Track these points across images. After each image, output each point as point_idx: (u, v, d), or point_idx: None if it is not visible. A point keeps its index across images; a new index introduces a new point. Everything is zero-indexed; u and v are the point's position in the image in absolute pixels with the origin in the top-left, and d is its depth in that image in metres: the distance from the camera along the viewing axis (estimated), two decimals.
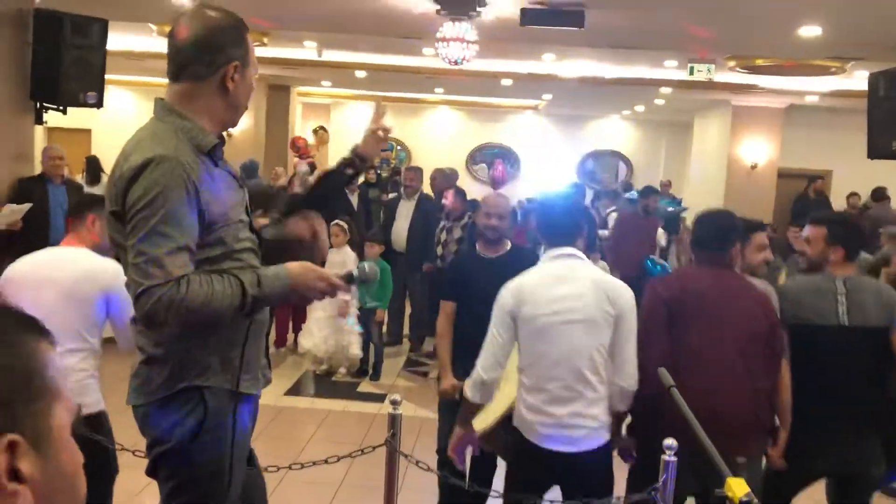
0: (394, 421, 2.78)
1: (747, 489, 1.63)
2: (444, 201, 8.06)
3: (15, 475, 0.75)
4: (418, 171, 8.53)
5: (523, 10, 6.68)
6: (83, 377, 3.02)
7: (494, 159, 17.54)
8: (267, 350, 2.29)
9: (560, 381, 2.83)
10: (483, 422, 3.13)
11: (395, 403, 2.82)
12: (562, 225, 3.01)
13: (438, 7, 6.87)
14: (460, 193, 7.91)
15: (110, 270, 3.00)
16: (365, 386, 7.00)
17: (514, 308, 2.90)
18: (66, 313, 2.97)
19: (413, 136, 17.94)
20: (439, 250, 7.55)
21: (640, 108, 16.24)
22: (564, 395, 2.82)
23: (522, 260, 3.84)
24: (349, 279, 2.18)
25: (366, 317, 7.03)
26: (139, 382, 2.07)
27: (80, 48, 6.74)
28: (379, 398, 6.55)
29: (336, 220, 6.77)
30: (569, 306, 2.84)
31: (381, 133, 2.58)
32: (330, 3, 7.21)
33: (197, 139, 2.01)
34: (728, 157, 12.84)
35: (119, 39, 8.77)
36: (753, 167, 12.74)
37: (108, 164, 12.12)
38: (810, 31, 7.23)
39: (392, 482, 2.84)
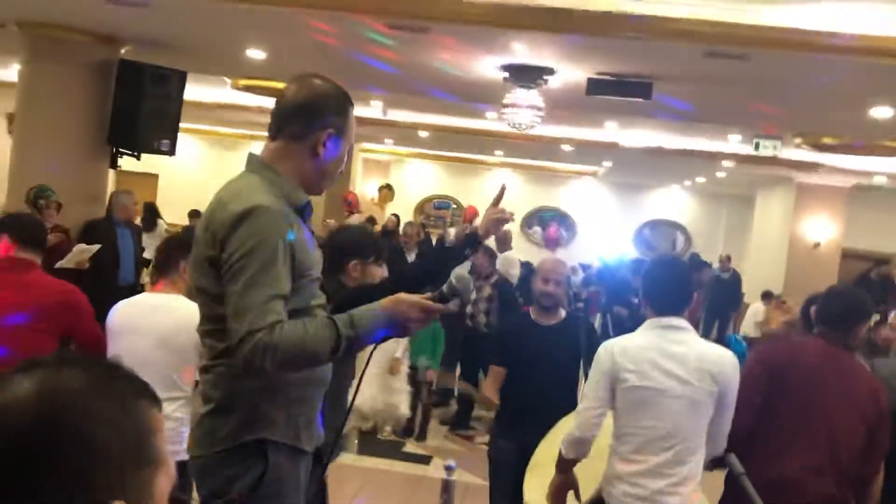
0: (447, 487, 2.73)
1: None
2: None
3: None
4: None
5: (590, 80, 6.73)
6: (177, 426, 3.04)
7: (550, 221, 17.54)
8: (324, 407, 2.28)
9: (660, 457, 2.75)
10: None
11: (449, 469, 2.78)
12: (672, 292, 2.88)
13: (506, 75, 6.98)
14: (488, 251, 7.88)
15: None
16: (410, 446, 6.92)
17: (614, 373, 2.80)
18: (162, 361, 3.02)
19: (470, 196, 18.08)
20: (469, 309, 7.52)
21: (700, 180, 16.12)
22: (660, 470, 2.74)
23: (578, 329, 3.79)
24: (442, 298, 2.07)
25: (416, 375, 6.99)
26: (202, 433, 2.08)
27: (158, 98, 7.02)
28: (424, 460, 6.47)
29: None
30: (672, 382, 2.75)
31: (501, 216, 2.62)
32: (400, 68, 7.38)
33: (290, 195, 2.07)
34: (790, 234, 12.62)
35: (193, 90, 9.10)
36: (816, 246, 12.48)
37: (171, 208, 12.53)
38: (882, 112, 7.13)
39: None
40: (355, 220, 12.94)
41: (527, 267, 10.56)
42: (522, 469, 3.39)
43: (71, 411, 0.77)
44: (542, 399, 3.43)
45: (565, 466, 2.96)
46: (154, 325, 3.09)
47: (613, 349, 2.85)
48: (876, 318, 8.30)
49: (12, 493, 0.74)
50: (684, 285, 2.92)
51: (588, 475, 3.00)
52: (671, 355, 2.78)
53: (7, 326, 2.99)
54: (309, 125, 2.09)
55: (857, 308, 3.07)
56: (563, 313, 3.90)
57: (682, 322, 2.85)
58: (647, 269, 3.04)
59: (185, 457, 2.96)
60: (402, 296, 2.03)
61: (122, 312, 3.23)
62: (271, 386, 2.02)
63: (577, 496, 3.02)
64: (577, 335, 3.77)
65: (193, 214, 12.84)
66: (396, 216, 12.15)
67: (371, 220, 12.22)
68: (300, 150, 2.10)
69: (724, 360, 2.82)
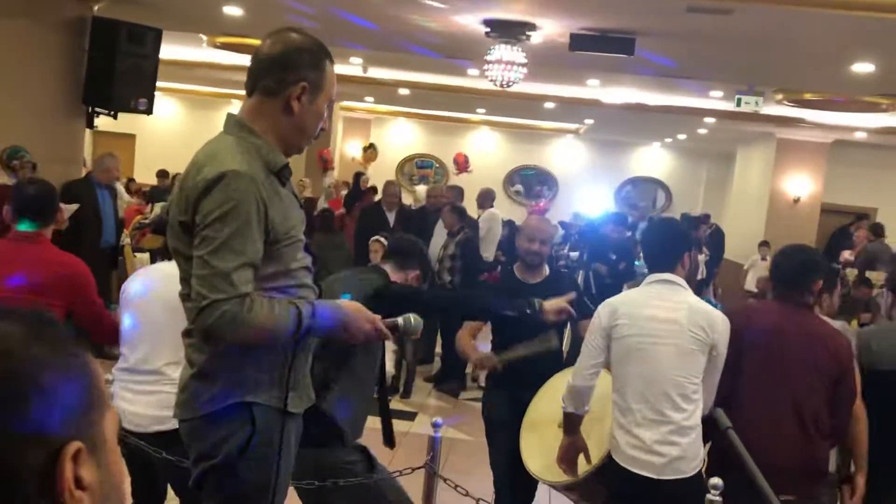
0: (434, 444, 2.76)
1: None
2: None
3: (77, 483, 0.76)
4: (456, 190, 8.56)
5: (573, 36, 6.68)
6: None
7: (533, 187, 17.51)
8: (313, 364, 2.29)
9: (647, 404, 2.82)
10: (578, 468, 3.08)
11: (436, 426, 2.80)
12: (665, 250, 3.01)
13: (488, 30, 6.90)
14: (455, 210, 7.86)
15: None
16: (395, 404, 6.97)
17: (608, 326, 2.91)
18: (173, 326, 3.03)
19: (451, 154, 18.00)
20: (436, 266, 7.51)
21: (682, 137, 16.14)
22: (652, 418, 2.81)
23: (562, 285, 3.80)
24: (394, 328, 2.21)
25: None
26: (187, 396, 2.07)
27: (134, 56, 6.89)
28: (409, 416, 6.53)
29: (376, 237, 6.80)
30: (662, 329, 2.85)
31: (562, 315, 2.88)
32: (380, 21, 7.28)
33: (267, 157, 2.03)
34: (770, 190, 12.70)
35: (169, 49, 8.94)
36: (796, 201, 12.58)
37: (149, 169, 12.40)
38: (863, 67, 7.14)
39: None
40: (330, 177, 12.90)
41: (510, 226, 10.56)
42: (517, 424, 3.44)
43: (14, 358, 0.77)
44: (540, 360, 3.43)
45: (571, 425, 3.01)
46: (166, 291, 3.09)
47: (610, 304, 2.98)
48: (854, 274, 8.41)
49: None
50: (676, 243, 3.02)
51: (600, 437, 3.04)
52: (662, 306, 2.89)
53: (8, 302, 2.94)
54: (282, 79, 2.05)
55: (809, 265, 3.11)
56: (546, 270, 3.91)
57: (675, 277, 2.95)
58: (645, 230, 3.16)
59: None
60: (365, 311, 2.11)
61: (138, 280, 3.24)
62: (241, 353, 2.01)
63: (587, 458, 3.07)
64: (561, 292, 3.78)
65: (161, 174, 12.76)
66: (361, 174, 12.13)
67: (359, 175, 12.17)
68: (274, 106, 2.06)
69: (714, 315, 2.92)
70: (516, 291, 3.78)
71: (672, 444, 2.79)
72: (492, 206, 9.11)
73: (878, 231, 11.13)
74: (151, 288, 3.14)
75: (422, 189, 11.84)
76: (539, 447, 3.21)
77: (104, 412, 0.82)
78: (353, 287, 2.92)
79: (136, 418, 2.94)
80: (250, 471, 2.03)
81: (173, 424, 2.31)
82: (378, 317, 2.13)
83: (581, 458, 3.06)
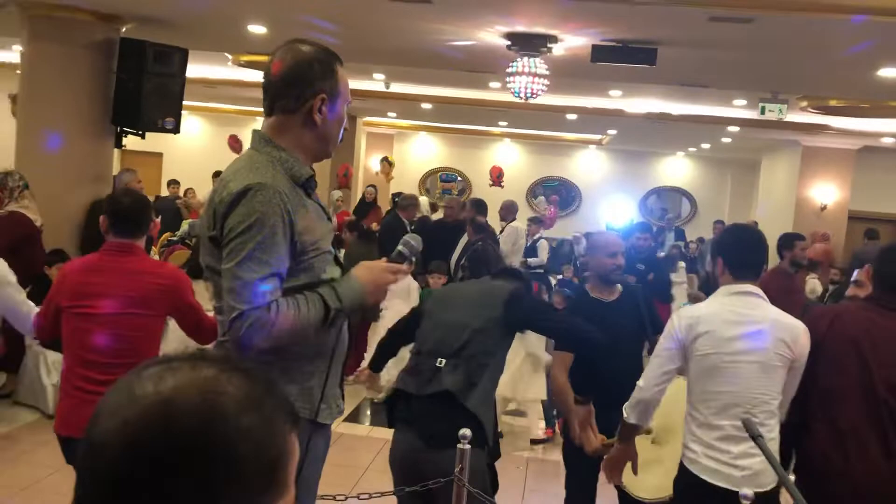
0: (463, 456, 2.76)
1: None
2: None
3: None
4: (478, 203, 8.62)
5: (594, 47, 6.69)
6: None
7: (550, 195, 17.47)
8: (342, 379, 2.30)
9: (730, 420, 2.76)
10: (669, 487, 3.05)
11: (464, 439, 2.81)
12: (751, 259, 2.92)
13: (509, 43, 6.93)
14: (475, 225, 7.90)
15: None
16: None
17: (687, 339, 2.83)
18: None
19: (474, 167, 18.04)
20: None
21: (705, 146, 16.05)
22: (734, 434, 2.75)
23: (638, 301, 3.76)
24: (400, 258, 2.25)
25: None
26: None
27: (161, 76, 7.00)
28: None
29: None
30: (745, 346, 2.77)
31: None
32: (401, 39, 7.34)
33: (292, 170, 2.06)
34: (796, 198, 12.59)
35: (194, 67, 9.07)
36: (823, 209, 12.45)
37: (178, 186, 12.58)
38: (889, 72, 7.08)
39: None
40: (335, 194, 13.08)
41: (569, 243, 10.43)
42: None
43: (225, 421, 0.76)
44: (613, 376, 3.36)
45: (626, 434, 2.97)
46: None
47: (684, 314, 2.90)
48: None
49: (146, 487, 0.74)
50: (760, 253, 2.94)
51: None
52: (744, 320, 2.80)
53: (110, 313, 2.97)
54: (298, 97, 2.07)
55: None
56: (620, 287, 3.84)
57: (755, 289, 2.86)
58: (725, 235, 3.05)
59: None
60: (368, 263, 2.15)
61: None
62: (282, 361, 2.04)
63: (634, 469, 3.04)
64: (638, 308, 3.76)
65: (172, 183, 13.02)
66: (374, 187, 12.33)
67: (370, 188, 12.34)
68: (296, 121, 2.09)
69: (798, 328, 2.84)
70: (595, 311, 3.67)
71: (754, 457, 2.73)
72: (514, 219, 9.14)
73: (871, 235, 11.20)
74: None
75: (424, 200, 11.93)
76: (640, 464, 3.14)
77: (281, 497, 0.80)
78: (491, 294, 3.08)
79: None
80: None
81: None
82: (383, 261, 2.19)
83: (661, 478, 3.02)
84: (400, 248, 2.25)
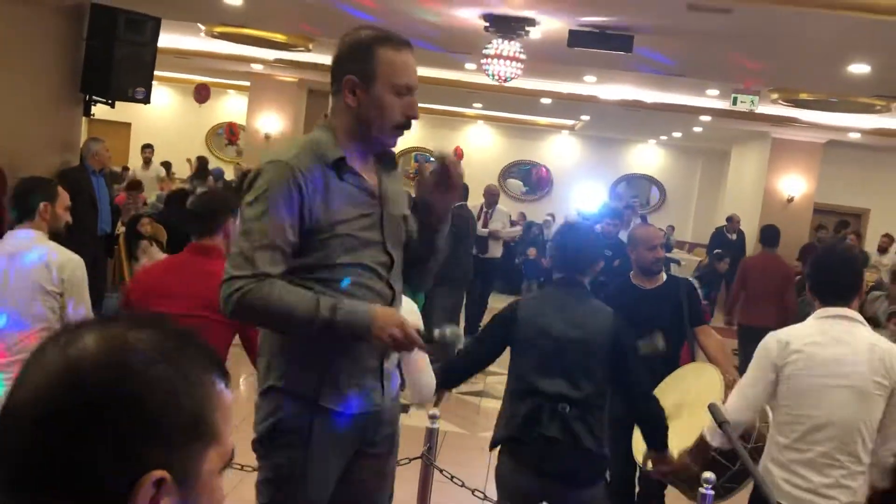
0: (431, 435, 2.78)
1: None
2: None
3: None
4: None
5: (572, 32, 6.69)
6: None
7: (532, 169, 17.46)
8: (381, 370, 2.18)
9: (822, 447, 2.66)
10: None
11: (433, 418, 2.82)
12: (845, 282, 2.80)
13: (487, 25, 6.91)
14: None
15: None
16: None
17: (780, 359, 2.73)
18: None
19: (447, 148, 18.01)
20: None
21: (677, 135, 16.18)
22: (824, 462, 2.66)
23: (679, 291, 3.82)
24: (428, 339, 2.04)
25: None
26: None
27: (132, 44, 6.88)
28: (403, 409, 6.55)
29: None
30: (842, 371, 2.66)
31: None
32: (376, 15, 7.28)
33: (322, 150, 2.07)
34: (764, 189, 12.75)
35: (166, 37, 8.91)
36: (790, 200, 12.63)
37: (139, 155, 12.41)
38: (859, 68, 7.18)
39: (425, 497, 2.84)
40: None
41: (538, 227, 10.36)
42: (631, 429, 3.36)
43: (131, 375, 0.76)
44: (649, 364, 3.31)
45: (696, 453, 2.89)
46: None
47: (781, 338, 2.78)
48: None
49: (60, 451, 0.74)
50: (854, 277, 2.83)
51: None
52: (839, 344, 2.70)
53: (176, 314, 2.85)
54: (336, 79, 2.11)
55: None
56: (664, 276, 3.91)
57: (852, 313, 2.76)
58: (815, 259, 2.94)
59: None
60: (396, 314, 2.04)
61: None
62: (280, 339, 2.10)
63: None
64: (678, 297, 3.81)
65: (146, 147, 12.91)
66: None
67: None
68: (338, 103, 2.12)
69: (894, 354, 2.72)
70: (636, 298, 3.74)
71: (843, 489, 2.65)
72: (496, 203, 9.34)
73: (819, 227, 11.63)
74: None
75: None
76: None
77: (209, 446, 0.79)
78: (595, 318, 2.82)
79: None
80: (276, 456, 2.09)
81: None
82: (406, 320, 2.05)
83: (676, 441, 3.00)
84: (436, 332, 2.07)
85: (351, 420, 2.10)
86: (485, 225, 9.04)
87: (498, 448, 2.95)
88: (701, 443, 2.89)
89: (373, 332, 1.98)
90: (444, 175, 2.16)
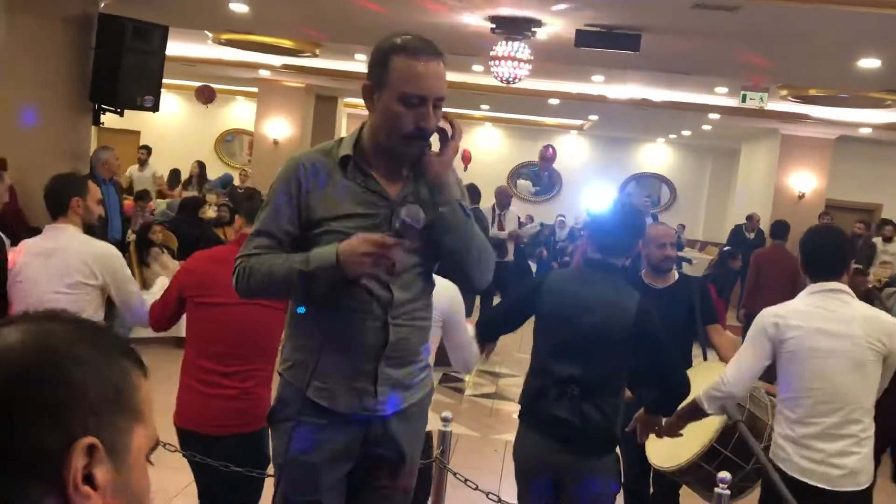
0: (444, 438, 2.77)
1: None
2: None
3: (89, 481, 0.78)
4: (472, 189, 8.77)
5: (579, 32, 6.68)
6: (424, 395, 3.02)
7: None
8: (375, 375, 2.13)
9: (830, 419, 2.73)
10: (678, 456, 3.06)
11: (445, 421, 2.82)
12: (831, 257, 2.87)
13: (493, 26, 6.91)
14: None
15: None
16: None
17: (776, 335, 2.79)
18: None
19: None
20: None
21: (686, 133, 16.13)
22: (830, 432, 2.73)
23: (691, 290, 3.77)
24: (396, 232, 2.00)
25: None
26: None
27: (140, 53, 6.89)
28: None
29: None
30: (837, 343, 2.74)
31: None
32: (384, 19, 7.29)
33: (335, 149, 2.15)
34: (775, 186, 12.68)
35: (174, 45, 8.95)
36: (801, 197, 12.57)
37: (154, 165, 12.47)
38: (869, 63, 7.14)
39: (439, 500, 2.84)
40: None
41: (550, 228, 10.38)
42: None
43: (52, 352, 0.81)
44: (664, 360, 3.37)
45: (689, 416, 2.91)
46: None
47: (776, 313, 2.84)
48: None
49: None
50: (840, 251, 2.90)
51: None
52: (834, 317, 2.77)
53: (229, 303, 2.82)
54: (363, 85, 2.12)
55: None
56: (676, 275, 3.86)
57: (842, 286, 2.83)
58: (803, 238, 2.99)
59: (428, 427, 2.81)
60: (361, 236, 2.01)
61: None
62: (288, 328, 2.22)
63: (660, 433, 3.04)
64: (690, 296, 3.77)
65: (142, 149, 12.92)
66: None
67: None
68: (368, 107, 2.13)
69: (889, 323, 2.81)
70: (647, 297, 3.68)
71: (850, 455, 2.72)
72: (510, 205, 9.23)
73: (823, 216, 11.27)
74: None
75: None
76: (658, 444, 3.16)
77: (135, 424, 0.84)
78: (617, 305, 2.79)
79: None
80: (273, 437, 2.21)
81: None
82: (370, 236, 2.00)
83: (689, 441, 3.01)
84: (396, 222, 2.02)
85: (340, 420, 2.10)
86: (500, 227, 8.78)
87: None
88: (712, 444, 2.89)
89: (342, 262, 1.97)
90: (442, 131, 2.11)
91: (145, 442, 0.85)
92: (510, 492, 3.01)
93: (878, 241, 11.24)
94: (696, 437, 3.01)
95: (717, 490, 2.76)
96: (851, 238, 10.50)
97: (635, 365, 2.82)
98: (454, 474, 2.88)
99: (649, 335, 2.77)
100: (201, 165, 13.01)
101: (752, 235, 12.15)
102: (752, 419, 3.11)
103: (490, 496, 2.95)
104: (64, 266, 3.18)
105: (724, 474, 2.77)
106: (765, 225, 12.48)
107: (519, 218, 10.47)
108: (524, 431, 2.90)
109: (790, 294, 3.00)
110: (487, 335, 3.35)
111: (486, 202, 9.15)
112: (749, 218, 12.44)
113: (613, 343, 2.76)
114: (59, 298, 3.10)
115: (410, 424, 2.22)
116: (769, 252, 8.39)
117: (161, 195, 12.10)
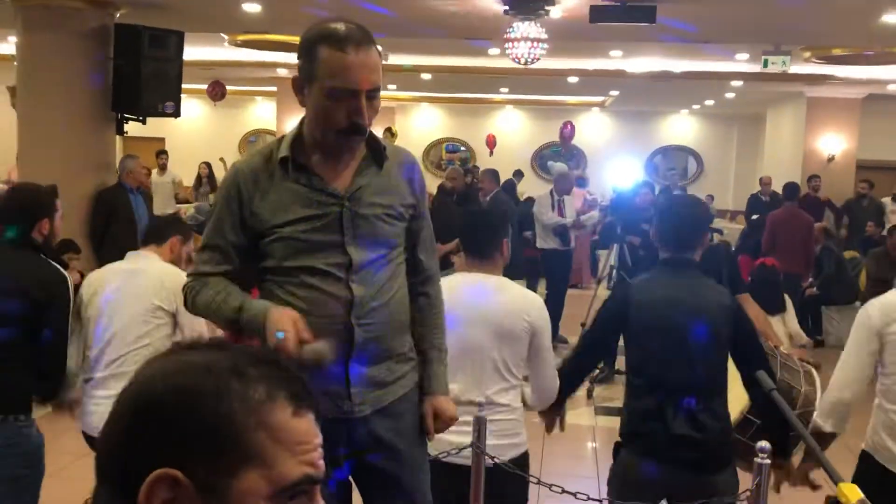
0: (480, 424, 2.78)
1: (860, 495, 1.58)
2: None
3: None
4: (492, 173, 8.72)
5: (593, 7, 6.61)
6: (515, 416, 2.91)
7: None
8: (346, 377, 2.04)
9: None
10: None
11: (480, 405, 2.82)
12: None
13: (506, 7, 6.86)
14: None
15: None
16: None
17: (883, 327, 2.67)
18: (495, 350, 2.88)
19: (477, 136, 17.95)
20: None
21: (709, 103, 15.91)
22: None
23: (719, 259, 3.68)
24: (316, 362, 1.80)
25: None
26: None
27: (158, 60, 6.95)
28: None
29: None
30: None
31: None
32: (397, 7, 7.27)
33: (273, 152, 2.03)
34: (804, 150, 12.48)
35: (191, 50, 9.02)
36: (830, 159, 12.36)
37: (180, 170, 12.60)
38: (893, 17, 6.98)
39: (479, 484, 2.84)
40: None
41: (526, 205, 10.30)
42: None
43: (163, 385, 0.80)
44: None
45: (824, 444, 2.71)
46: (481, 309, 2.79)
47: (877, 303, 2.73)
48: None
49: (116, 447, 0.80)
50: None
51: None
52: None
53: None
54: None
55: None
56: None
57: None
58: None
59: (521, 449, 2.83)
60: (284, 320, 1.83)
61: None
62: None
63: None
64: (719, 266, 3.69)
65: (160, 154, 13.00)
66: None
67: None
68: (300, 101, 2.01)
69: None
70: None
71: None
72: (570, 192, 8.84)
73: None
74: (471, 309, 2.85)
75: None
76: None
77: (246, 465, 0.77)
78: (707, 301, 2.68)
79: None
80: None
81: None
82: (294, 324, 1.81)
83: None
84: (310, 353, 1.79)
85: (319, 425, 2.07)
86: (560, 214, 8.18)
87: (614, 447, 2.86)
88: (744, 416, 2.84)
89: (267, 328, 1.85)
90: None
91: (263, 485, 0.77)
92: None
93: (887, 200, 11.08)
94: (731, 408, 2.98)
95: (756, 460, 2.72)
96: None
97: (738, 361, 2.72)
98: (491, 458, 2.88)
99: (747, 331, 2.72)
100: (209, 166, 13.04)
101: (767, 199, 12.03)
102: (785, 387, 3.07)
103: (531, 478, 2.95)
104: (141, 291, 3.31)
105: (764, 443, 2.74)
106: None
107: (587, 198, 10.01)
108: (630, 457, 2.74)
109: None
110: (576, 380, 3.06)
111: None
112: (761, 182, 12.33)
113: (722, 342, 2.68)
114: (131, 322, 3.29)
115: (398, 421, 2.13)
116: (782, 214, 8.52)
117: (182, 199, 12.23)
